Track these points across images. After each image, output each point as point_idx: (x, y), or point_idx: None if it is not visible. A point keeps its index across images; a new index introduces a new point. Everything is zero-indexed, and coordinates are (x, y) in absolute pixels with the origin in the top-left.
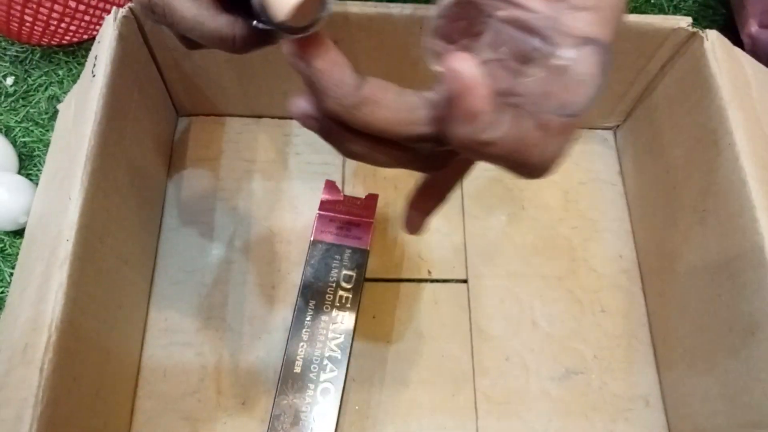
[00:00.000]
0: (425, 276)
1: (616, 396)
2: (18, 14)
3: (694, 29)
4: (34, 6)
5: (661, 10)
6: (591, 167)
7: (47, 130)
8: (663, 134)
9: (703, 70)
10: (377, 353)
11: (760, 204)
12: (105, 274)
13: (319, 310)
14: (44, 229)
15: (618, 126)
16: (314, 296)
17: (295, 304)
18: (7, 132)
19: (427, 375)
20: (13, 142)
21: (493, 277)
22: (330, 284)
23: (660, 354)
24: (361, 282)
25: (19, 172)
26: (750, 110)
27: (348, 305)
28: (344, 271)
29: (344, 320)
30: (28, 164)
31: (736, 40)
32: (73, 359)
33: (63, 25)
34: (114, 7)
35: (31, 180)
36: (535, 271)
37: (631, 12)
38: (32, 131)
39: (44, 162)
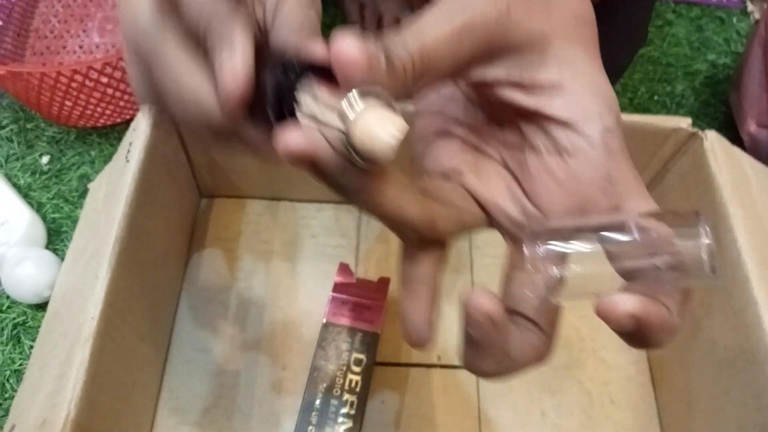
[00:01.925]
0: (435, 362)
1: None
2: (59, 99)
3: (694, 129)
4: (75, 92)
5: (664, 107)
6: None
7: (76, 207)
8: None
9: (703, 168)
10: None
11: (763, 301)
12: (123, 351)
13: (328, 393)
14: (69, 305)
15: None
16: (324, 379)
17: (305, 387)
18: (39, 208)
19: None
20: (44, 218)
21: None
22: (341, 367)
23: None
24: (371, 366)
25: (47, 247)
26: (750, 207)
27: (358, 390)
28: (355, 355)
29: (353, 405)
30: (56, 239)
31: (737, 137)
32: None
33: (99, 109)
34: None
35: (57, 255)
36: None
37: (636, 108)
38: (62, 208)
39: (71, 238)
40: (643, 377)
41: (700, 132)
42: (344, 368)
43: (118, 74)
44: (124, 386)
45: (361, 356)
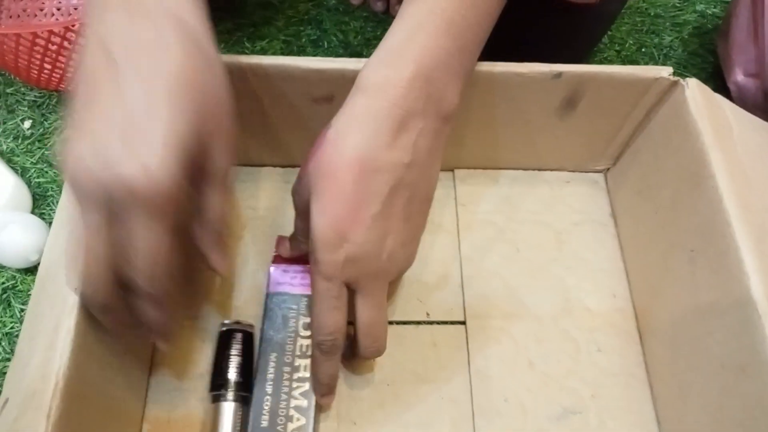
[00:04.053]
0: (424, 318)
1: None
2: (38, 62)
3: (675, 78)
4: (53, 55)
5: (652, 59)
6: (583, 209)
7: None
8: (651, 177)
9: (684, 116)
10: (376, 396)
11: (744, 243)
12: None
13: (280, 361)
14: (54, 277)
15: (608, 169)
16: (275, 348)
17: (258, 358)
18: (23, 173)
19: (426, 417)
20: (28, 183)
21: (490, 319)
22: (289, 335)
23: (656, 392)
24: None
25: (33, 212)
26: (731, 152)
27: (309, 353)
28: (303, 319)
29: (307, 368)
30: (42, 204)
31: (724, 87)
32: (79, 405)
33: None
34: None
35: (43, 219)
36: (531, 311)
37: (623, 61)
38: (47, 172)
39: (57, 202)
40: (628, 324)
41: (681, 80)
42: (293, 335)
43: None
44: (115, 354)
45: (309, 320)
